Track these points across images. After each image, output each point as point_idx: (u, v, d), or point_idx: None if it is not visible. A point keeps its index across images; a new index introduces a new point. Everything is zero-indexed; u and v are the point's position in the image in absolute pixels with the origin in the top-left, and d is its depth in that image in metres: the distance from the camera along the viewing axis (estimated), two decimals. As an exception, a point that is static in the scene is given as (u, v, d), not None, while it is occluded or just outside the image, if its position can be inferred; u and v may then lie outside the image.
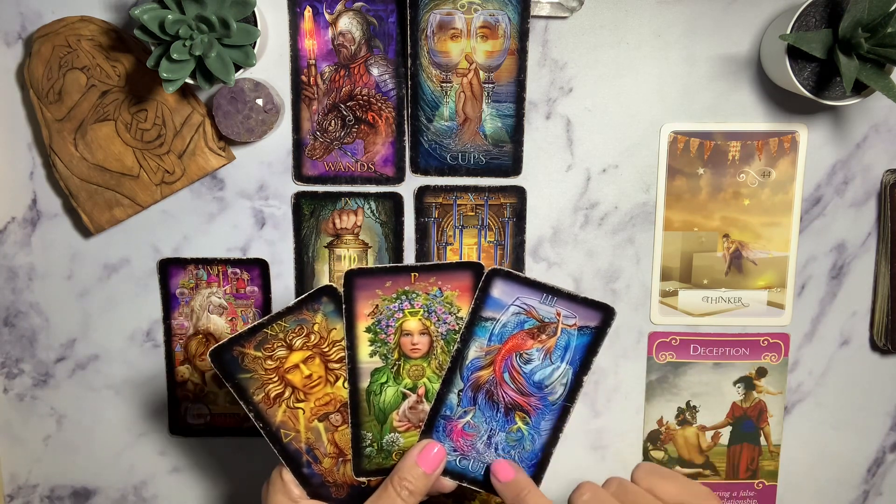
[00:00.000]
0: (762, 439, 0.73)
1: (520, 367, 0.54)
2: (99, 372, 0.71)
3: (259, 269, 0.69)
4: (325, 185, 0.68)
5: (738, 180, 0.68)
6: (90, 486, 0.74)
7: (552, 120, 0.68)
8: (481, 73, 0.65)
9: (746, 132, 0.68)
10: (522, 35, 0.64)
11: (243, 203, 0.69)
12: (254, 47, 0.60)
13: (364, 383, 0.54)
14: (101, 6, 0.65)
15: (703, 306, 0.71)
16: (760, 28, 0.66)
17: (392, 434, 0.55)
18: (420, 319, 0.54)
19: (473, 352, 0.54)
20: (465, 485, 0.55)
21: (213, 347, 0.53)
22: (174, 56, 0.57)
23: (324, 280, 0.69)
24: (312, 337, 0.54)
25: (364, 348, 0.54)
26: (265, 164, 0.68)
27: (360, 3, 0.65)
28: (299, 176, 0.68)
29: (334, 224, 0.69)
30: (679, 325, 0.71)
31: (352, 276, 0.52)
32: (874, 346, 0.72)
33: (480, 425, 0.54)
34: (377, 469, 0.55)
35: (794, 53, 0.61)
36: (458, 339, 0.54)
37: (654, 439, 0.73)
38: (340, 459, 0.55)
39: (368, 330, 0.54)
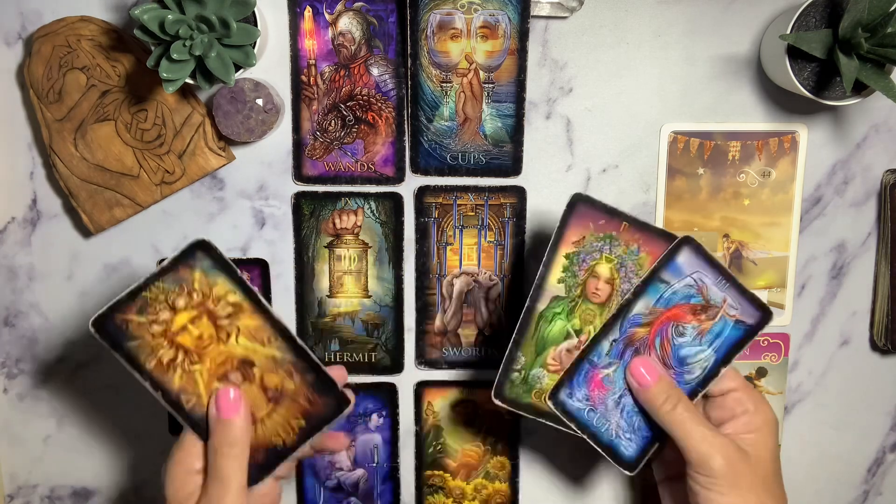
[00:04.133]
0: (762, 439, 0.73)
1: (672, 337, 0.55)
2: (99, 372, 0.71)
3: (259, 269, 0.69)
4: (325, 185, 0.68)
5: (738, 180, 0.68)
6: (90, 486, 0.74)
7: (552, 120, 0.68)
8: (481, 73, 0.65)
9: (746, 132, 0.68)
10: (522, 35, 0.64)
11: (243, 203, 0.69)
12: (254, 47, 0.60)
13: (541, 305, 0.55)
14: (101, 6, 0.65)
15: (703, 306, 0.71)
16: (760, 28, 0.66)
17: (540, 370, 0.56)
18: (612, 268, 0.56)
19: (639, 307, 0.55)
20: (586, 438, 0.55)
21: (93, 317, 0.51)
22: (174, 56, 0.57)
23: (324, 280, 0.69)
24: (195, 296, 0.52)
25: (556, 272, 0.56)
26: (265, 164, 0.68)
27: (360, 3, 0.65)
28: (299, 176, 0.68)
29: (334, 224, 0.69)
30: (679, 325, 0.71)
31: (577, 201, 0.55)
32: (874, 346, 0.72)
33: (617, 382, 0.55)
34: (513, 399, 0.55)
35: (794, 53, 0.61)
36: (632, 291, 0.55)
37: (654, 439, 0.73)
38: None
39: (567, 257, 0.56)
